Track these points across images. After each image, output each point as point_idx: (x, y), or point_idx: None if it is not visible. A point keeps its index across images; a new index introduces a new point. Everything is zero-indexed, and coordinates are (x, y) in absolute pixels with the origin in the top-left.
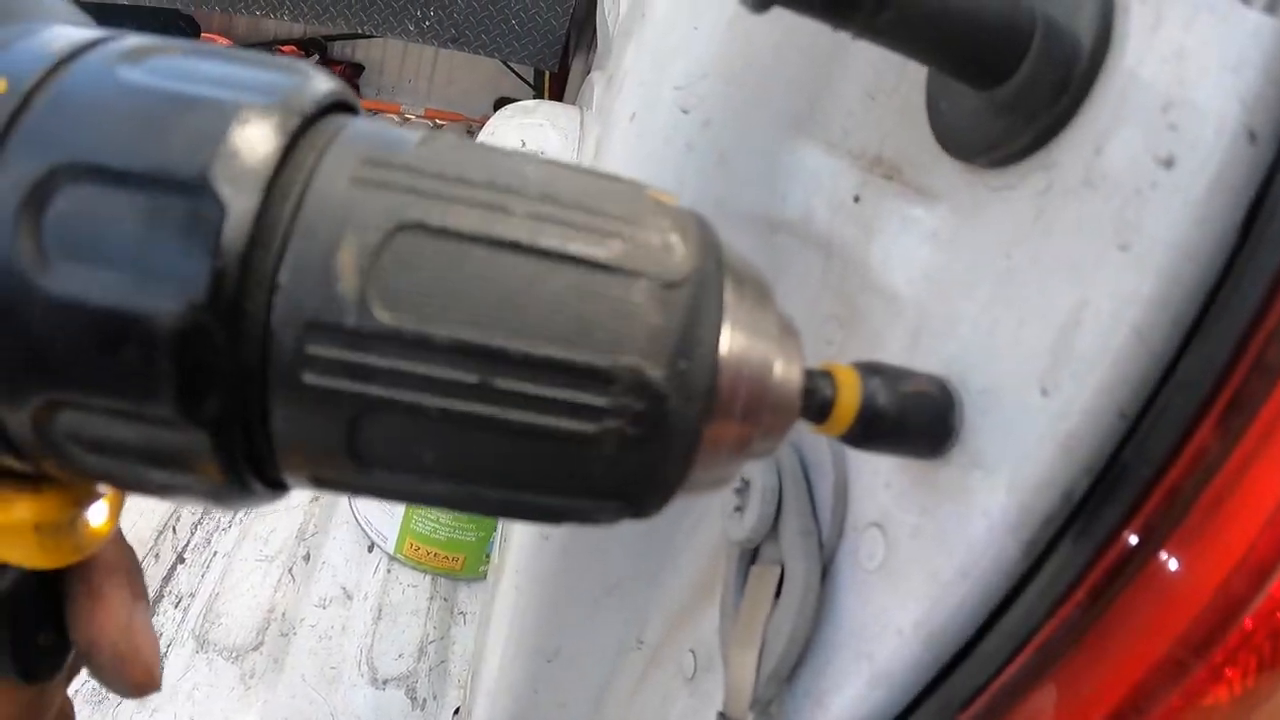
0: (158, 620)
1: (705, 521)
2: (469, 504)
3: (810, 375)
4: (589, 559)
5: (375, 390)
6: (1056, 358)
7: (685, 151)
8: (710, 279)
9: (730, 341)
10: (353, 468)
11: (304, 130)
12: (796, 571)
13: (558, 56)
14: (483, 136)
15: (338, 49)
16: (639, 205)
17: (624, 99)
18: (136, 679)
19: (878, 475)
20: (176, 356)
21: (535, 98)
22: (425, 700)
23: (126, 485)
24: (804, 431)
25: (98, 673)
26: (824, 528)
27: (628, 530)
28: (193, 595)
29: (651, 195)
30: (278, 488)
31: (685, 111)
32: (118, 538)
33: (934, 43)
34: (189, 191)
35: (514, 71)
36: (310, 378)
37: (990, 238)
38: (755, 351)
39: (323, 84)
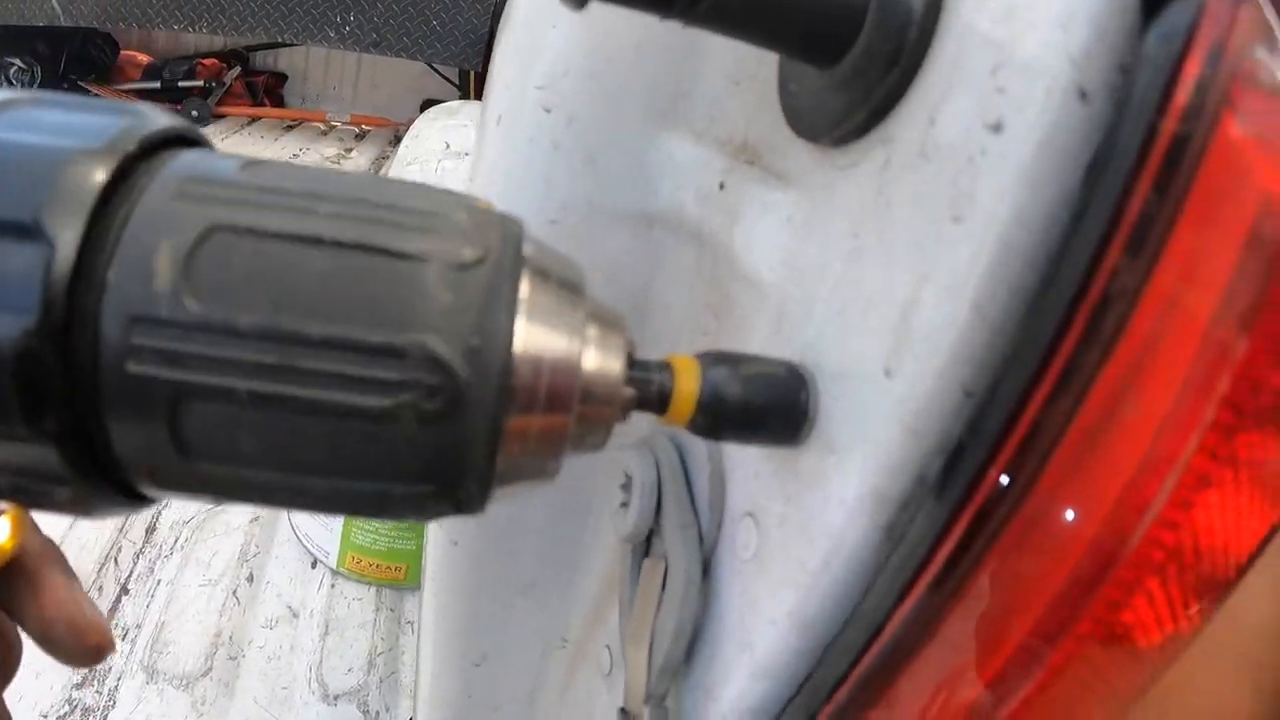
0: None
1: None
2: (294, 495)
3: (643, 366)
4: (499, 562)
5: (190, 375)
6: (899, 338)
7: (551, 151)
8: (504, 267)
9: (527, 330)
10: (182, 461)
11: (133, 165)
12: (678, 565)
13: (481, 55)
14: (407, 140)
15: (260, 59)
16: (442, 204)
17: (492, 101)
18: (94, 642)
19: (748, 465)
20: (16, 379)
21: (461, 98)
22: (378, 713)
23: (13, 498)
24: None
25: (56, 650)
26: (703, 519)
27: (535, 530)
28: (139, 626)
29: (460, 198)
30: (135, 496)
31: (548, 111)
32: (32, 528)
33: (763, 24)
34: (23, 233)
35: (439, 73)
36: (133, 366)
37: (839, 218)
38: (557, 341)
39: (156, 122)
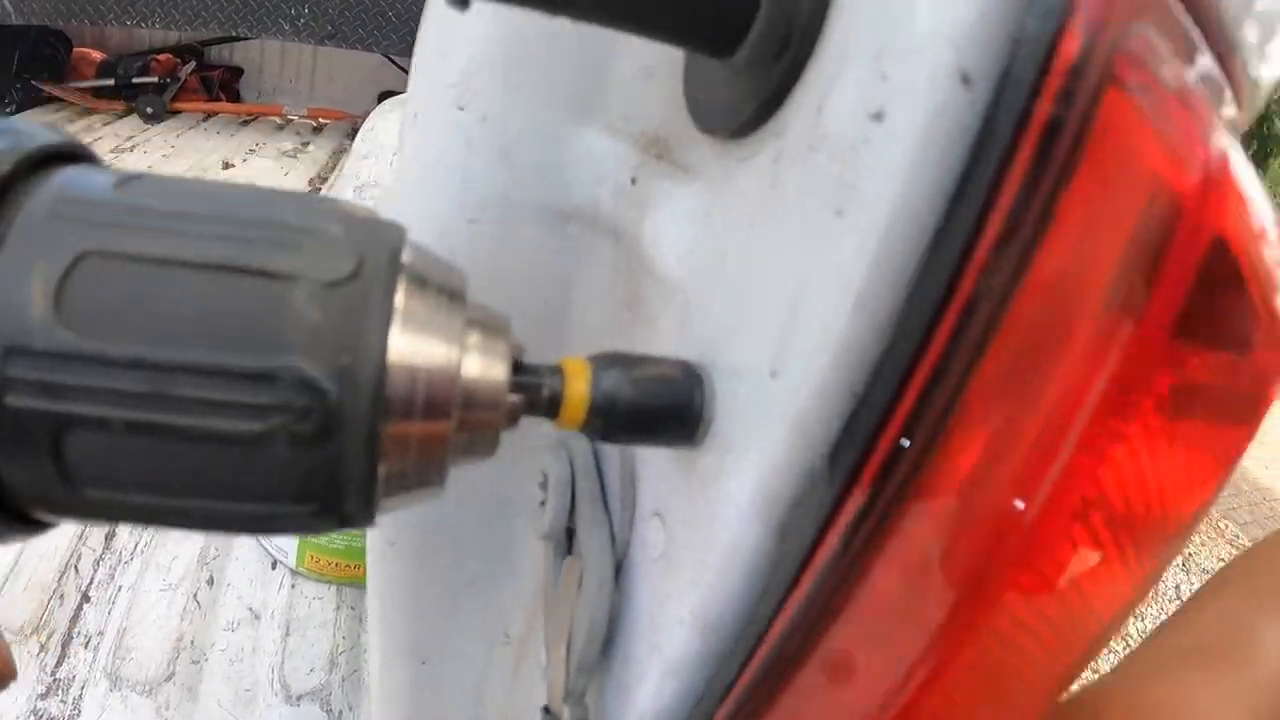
0: (69, 663)
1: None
2: (177, 518)
3: (532, 371)
4: (438, 560)
5: (69, 407)
6: (786, 336)
7: (466, 149)
8: (377, 279)
9: (401, 341)
10: (68, 489)
11: (9, 185)
12: (590, 563)
13: None
14: (362, 133)
15: (215, 53)
16: (316, 217)
17: (411, 99)
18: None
19: (657, 463)
20: None
21: None
22: (340, 712)
23: None
24: None
25: None
26: (616, 518)
27: (473, 527)
28: (101, 633)
29: (338, 207)
30: (32, 523)
31: (462, 109)
32: None
33: (650, 14)
34: None
35: (396, 64)
36: (12, 400)
37: (736, 213)
38: (434, 349)
39: (34, 140)
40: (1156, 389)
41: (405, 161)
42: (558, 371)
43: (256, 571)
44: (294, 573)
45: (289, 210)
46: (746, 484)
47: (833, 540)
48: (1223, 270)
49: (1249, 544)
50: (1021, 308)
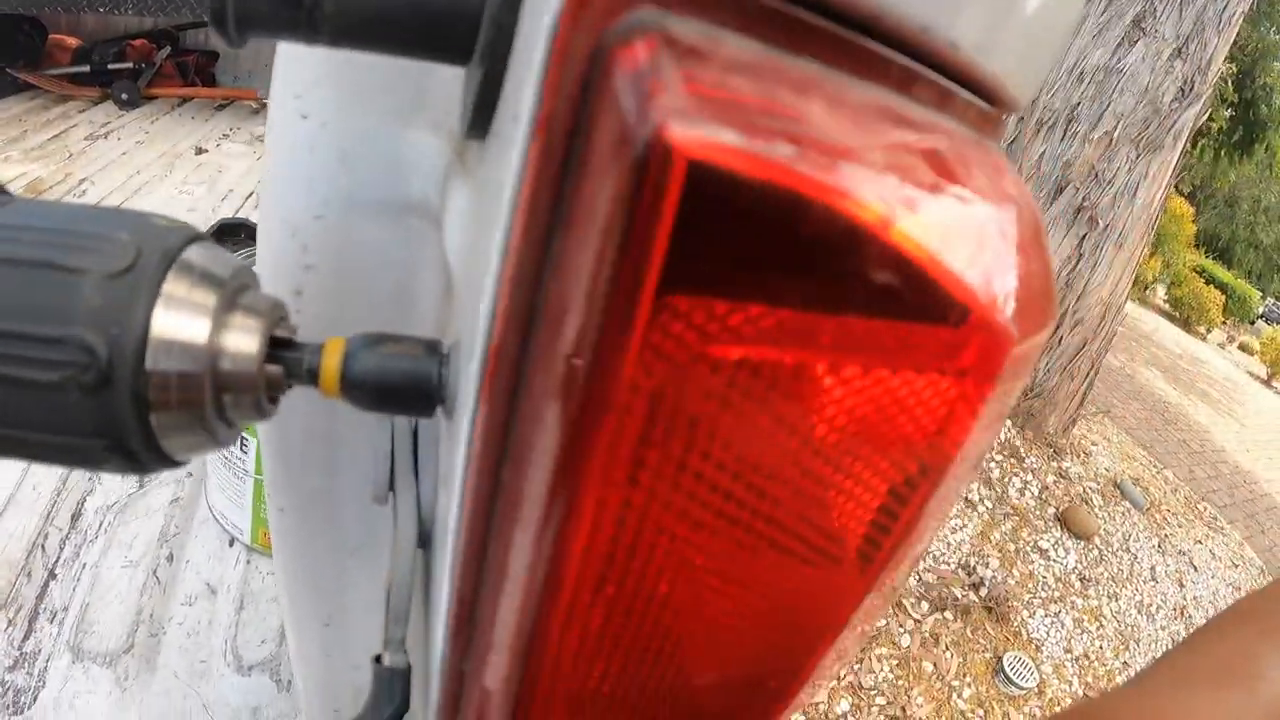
0: (35, 637)
1: None
2: (11, 446)
3: (297, 347)
4: (324, 527)
5: None
6: (473, 315)
7: (310, 154)
8: (146, 272)
9: (164, 317)
10: None
11: None
12: (400, 524)
13: None
14: None
15: (190, 38)
16: (109, 226)
17: (270, 109)
18: None
19: (439, 430)
20: None
21: None
22: (289, 681)
23: None
24: None
25: None
26: (426, 484)
27: (351, 495)
28: (65, 609)
29: (132, 219)
30: None
31: (305, 117)
32: None
33: (386, 36)
34: None
35: None
36: None
37: (475, 208)
38: (193, 325)
39: None
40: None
41: (265, 165)
42: (319, 349)
43: (215, 548)
44: (249, 549)
45: (92, 222)
46: (462, 445)
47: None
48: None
49: (1227, 526)
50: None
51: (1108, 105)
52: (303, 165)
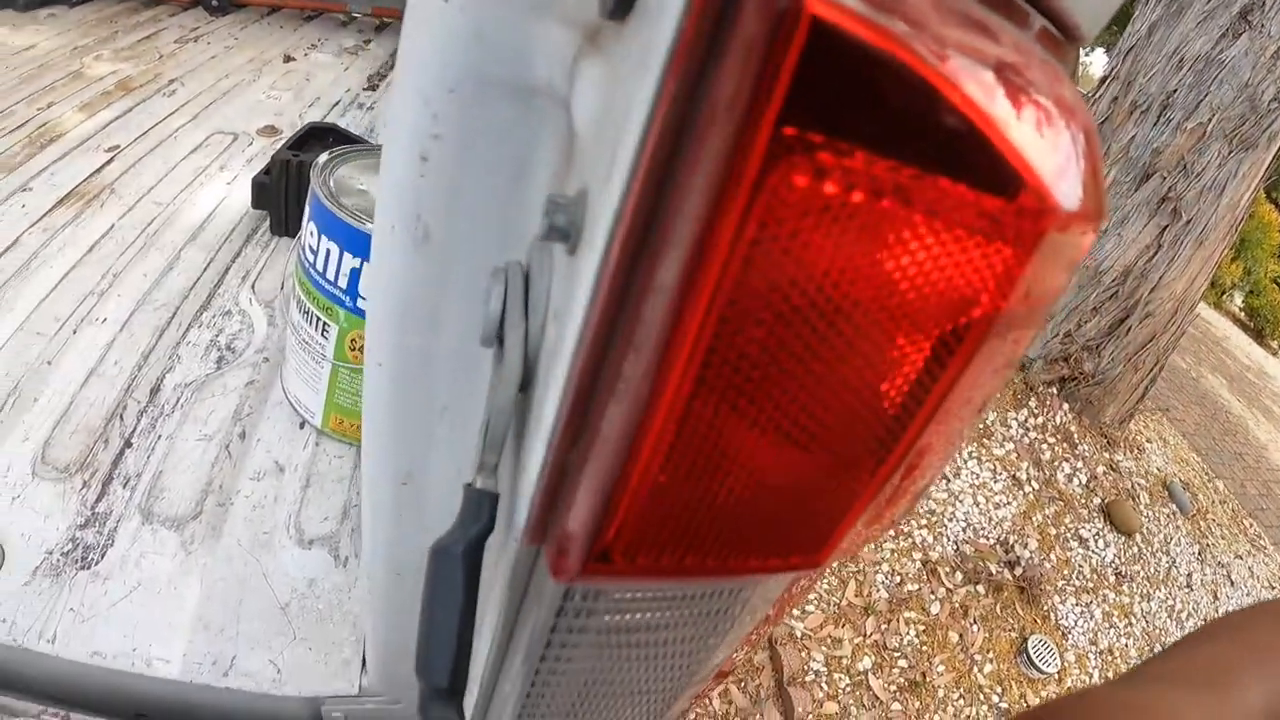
0: (108, 500)
1: None
2: None
3: None
4: (416, 385)
5: None
6: (611, 164)
7: (448, 34)
8: None
9: None
10: None
11: None
12: (506, 357)
13: None
14: None
15: None
16: None
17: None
18: None
19: (559, 272)
20: None
21: None
22: (347, 558)
23: None
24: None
25: None
26: (534, 322)
27: (446, 354)
28: (139, 475)
29: None
30: None
31: (446, 0)
32: None
33: None
34: None
35: None
36: None
37: (625, 76)
38: None
39: None
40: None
41: (403, 42)
42: None
43: (285, 429)
44: (319, 432)
45: None
46: (587, 280)
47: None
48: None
49: (1270, 547)
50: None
51: (1205, 96)
52: (440, 43)
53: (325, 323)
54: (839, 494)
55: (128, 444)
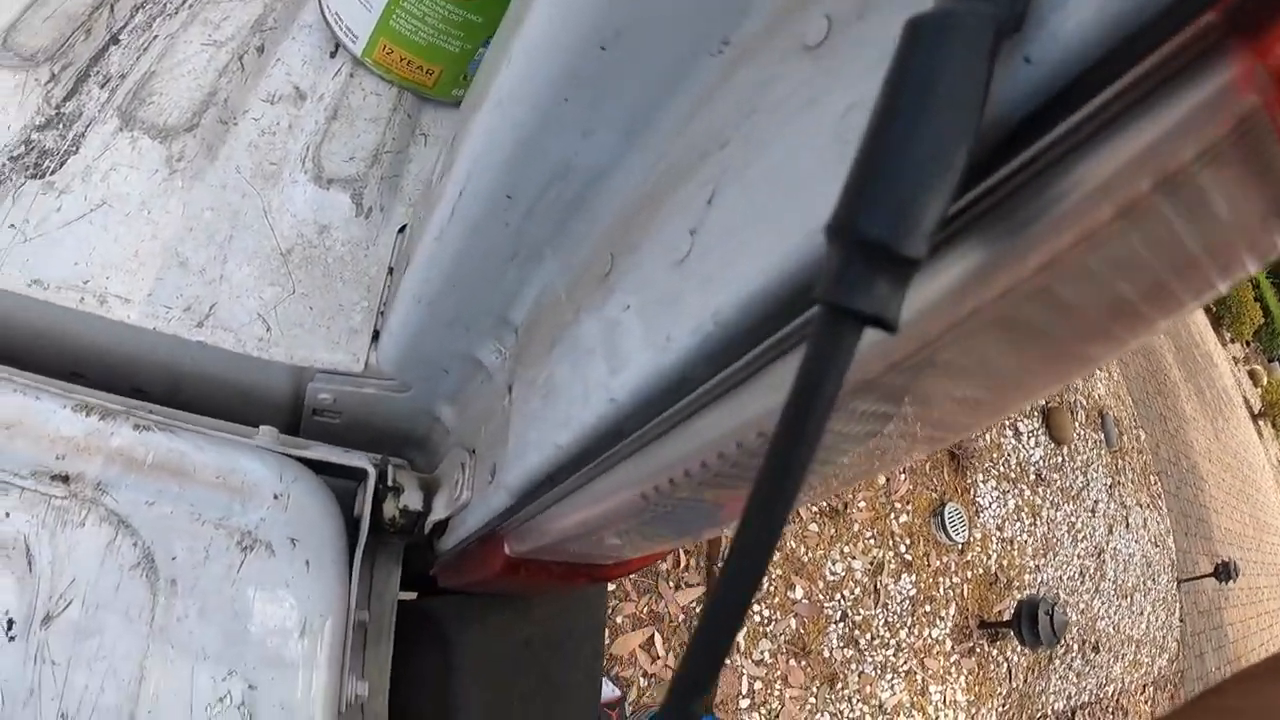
0: (79, 99)
1: None
2: None
3: None
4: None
5: None
6: None
7: None
8: None
9: None
10: None
11: None
12: None
13: None
14: None
15: None
16: None
17: None
18: None
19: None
20: None
21: None
22: (370, 209)
23: None
24: None
25: None
26: None
27: None
28: (123, 76)
29: None
30: None
31: None
32: None
33: None
34: None
35: None
36: None
37: None
38: None
39: None
40: None
41: None
42: None
43: (312, 54)
44: (356, 62)
45: None
46: None
47: None
48: None
49: (1164, 509)
50: None
51: None
52: None
53: None
54: None
55: (114, 39)
